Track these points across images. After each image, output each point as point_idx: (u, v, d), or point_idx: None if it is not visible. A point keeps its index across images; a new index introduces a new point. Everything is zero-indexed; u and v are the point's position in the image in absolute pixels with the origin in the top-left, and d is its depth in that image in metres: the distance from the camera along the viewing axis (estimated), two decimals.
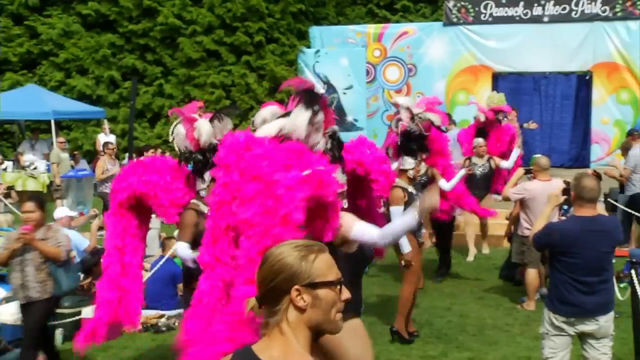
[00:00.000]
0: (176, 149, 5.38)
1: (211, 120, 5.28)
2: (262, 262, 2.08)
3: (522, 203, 8.10)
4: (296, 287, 1.99)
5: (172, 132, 5.37)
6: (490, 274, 9.82)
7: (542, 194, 7.46)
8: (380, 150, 5.37)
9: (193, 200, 5.32)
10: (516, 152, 10.38)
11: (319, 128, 4.06)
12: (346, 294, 2.05)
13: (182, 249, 5.09)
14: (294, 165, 3.67)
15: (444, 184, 8.36)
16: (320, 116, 4.01)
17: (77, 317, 7.01)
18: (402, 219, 4.47)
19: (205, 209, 5.03)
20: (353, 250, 4.22)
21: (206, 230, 4.08)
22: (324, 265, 2.02)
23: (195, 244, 4.83)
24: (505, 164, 10.14)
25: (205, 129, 5.22)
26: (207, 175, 5.14)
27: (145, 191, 5.22)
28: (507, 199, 8.47)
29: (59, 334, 6.97)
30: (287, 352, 2.00)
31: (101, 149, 16.24)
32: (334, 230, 3.89)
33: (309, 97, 3.99)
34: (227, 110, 5.55)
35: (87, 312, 7.02)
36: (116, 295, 5.27)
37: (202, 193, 5.28)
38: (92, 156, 17.44)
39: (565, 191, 5.53)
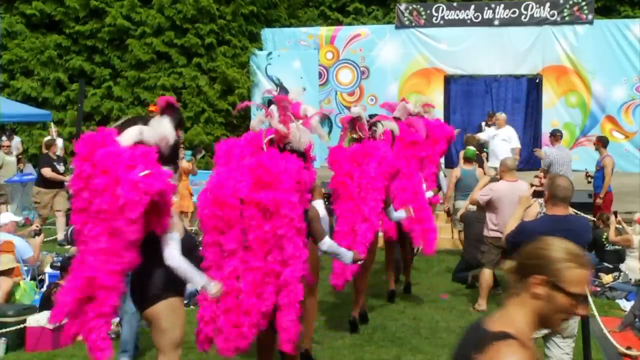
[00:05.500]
0: (302, 146, 4.93)
1: None
2: (537, 240, 2.22)
3: (489, 204, 8.04)
4: (542, 276, 2.13)
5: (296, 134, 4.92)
6: (443, 277, 9.80)
7: (508, 194, 7.51)
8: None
9: None
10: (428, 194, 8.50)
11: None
12: (582, 311, 2.16)
13: None
14: (137, 166, 4.07)
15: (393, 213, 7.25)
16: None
17: (21, 326, 6.74)
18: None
19: None
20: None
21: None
22: (576, 278, 2.14)
23: None
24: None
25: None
26: None
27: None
28: (475, 203, 8.41)
29: (1, 343, 6.65)
30: (508, 329, 2.09)
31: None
32: (164, 225, 4.27)
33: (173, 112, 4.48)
34: None
35: (32, 321, 6.75)
36: None
37: None
38: (38, 160, 16.89)
39: (534, 193, 5.54)
